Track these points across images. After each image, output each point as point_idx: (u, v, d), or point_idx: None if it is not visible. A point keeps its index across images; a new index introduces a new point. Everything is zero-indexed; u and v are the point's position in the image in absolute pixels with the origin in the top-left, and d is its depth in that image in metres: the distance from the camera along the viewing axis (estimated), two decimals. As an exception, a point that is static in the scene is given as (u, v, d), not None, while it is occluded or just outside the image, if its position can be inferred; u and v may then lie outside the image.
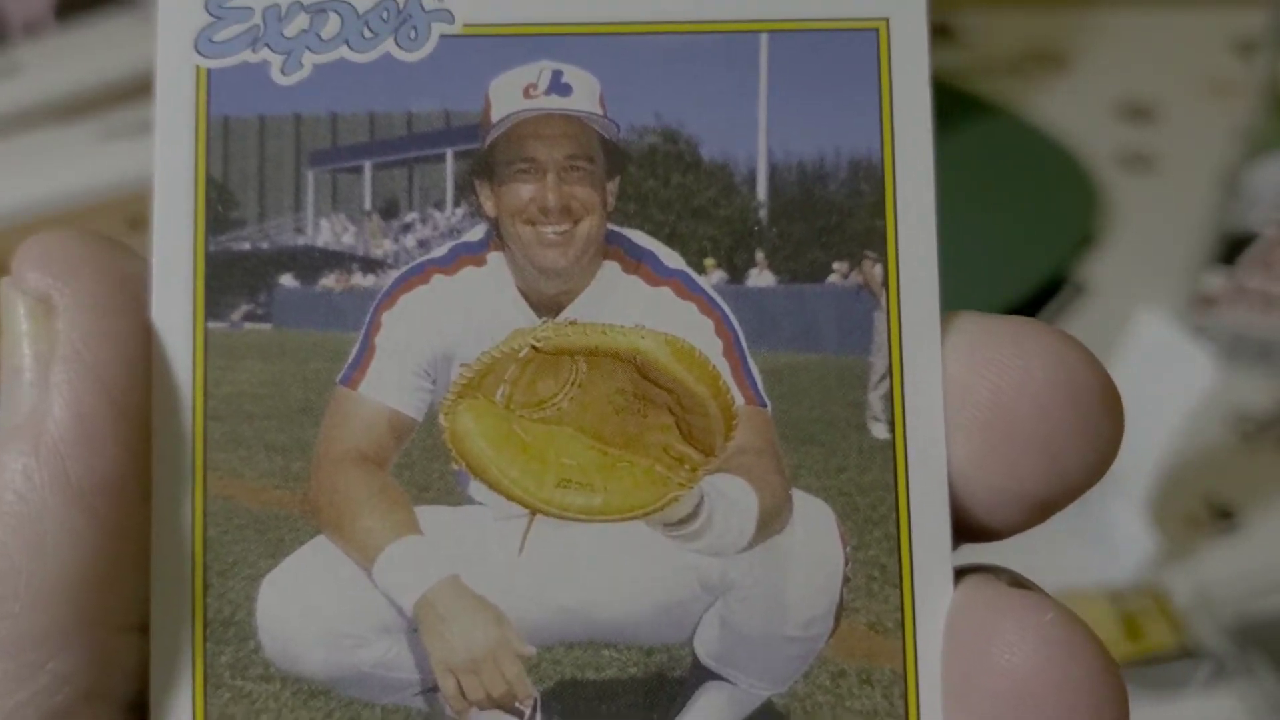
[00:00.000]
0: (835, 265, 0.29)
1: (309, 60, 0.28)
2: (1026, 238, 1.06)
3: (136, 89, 0.98)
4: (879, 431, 0.28)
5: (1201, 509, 0.88)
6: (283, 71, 0.28)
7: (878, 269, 0.29)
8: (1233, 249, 0.96)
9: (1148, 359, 0.84)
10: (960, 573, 0.28)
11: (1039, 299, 1.02)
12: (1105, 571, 0.80)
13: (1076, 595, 0.77)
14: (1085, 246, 1.09)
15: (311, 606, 0.28)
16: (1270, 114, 0.90)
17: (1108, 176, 1.17)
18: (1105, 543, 0.80)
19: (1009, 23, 1.35)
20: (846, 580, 0.28)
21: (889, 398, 0.28)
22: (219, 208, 0.28)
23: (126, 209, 0.81)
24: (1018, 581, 0.28)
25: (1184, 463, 0.87)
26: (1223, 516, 0.88)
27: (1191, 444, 0.87)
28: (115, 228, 0.80)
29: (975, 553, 0.29)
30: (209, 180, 0.28)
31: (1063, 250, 1.08)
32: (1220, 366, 0.80)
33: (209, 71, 0.28)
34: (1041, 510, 0.28)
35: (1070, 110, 1.23)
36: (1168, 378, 0.81)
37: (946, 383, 0.28)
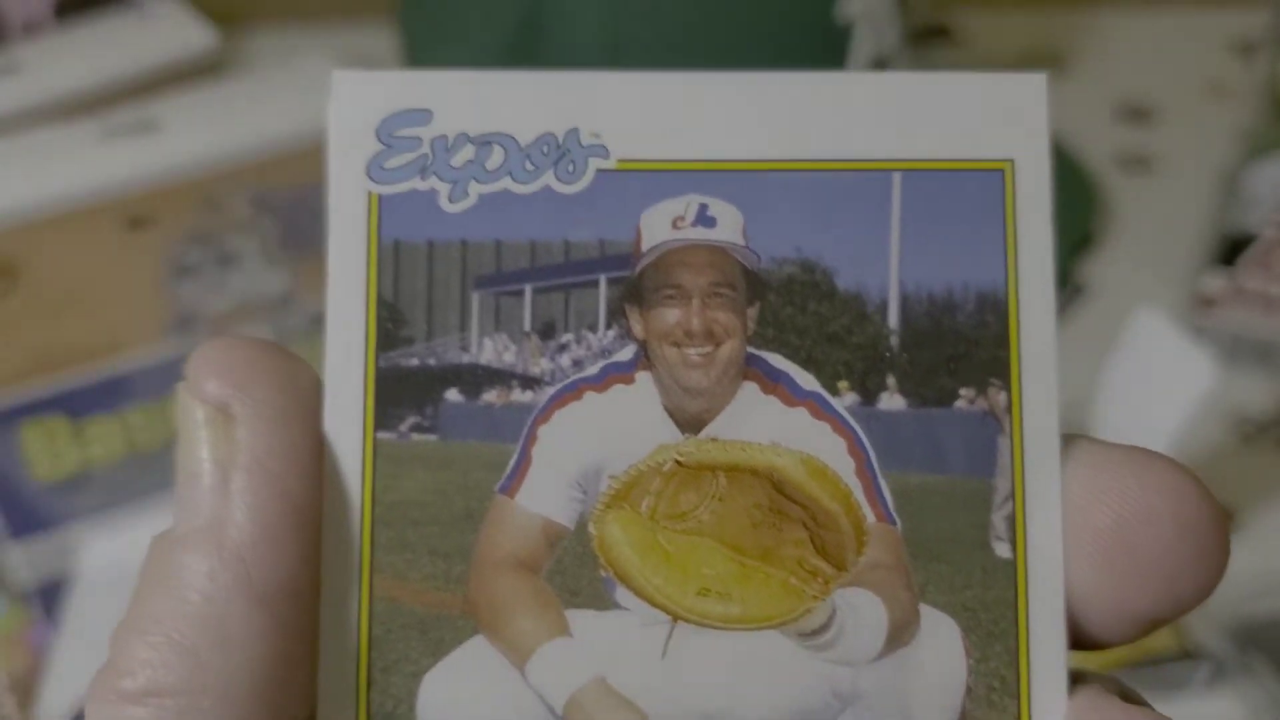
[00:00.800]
0: (962, 391, 0.31)
1: (475, 190, 0.31)
2: None
3: (137, 88, 1.00)
4: (1002, 551, 0.30)
5: None
6: (450, 199, 0.31)
7: (1002, 396, 0.30)
8: (1232, 250, 0.97)
9: (1147, 360, 0.85)
10: (1074, 680, 0.30)
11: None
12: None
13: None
14: (1084, 247, 1.10)
15: (469, 703, 0.30)
16: (1270, 115, 0.92)
17: (1107, 178, 1.18)
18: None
19: (1008, 23, 1.35)
20: (969, 691, 0.30)
21: (1012, 519, 0.30)
22: (389, 326, 0.30)
23: (127, 209, 0.82)
24: (1126, 695, 0.30)
25: (1183, 463, 0.88)
26: None
27: (1191, 445, 0.87)
28: (116, 227, 0.83)
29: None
30: (380, 300, 0.30)
31: (1062, 251, 1.07)
32: (1220, 367, 0.81)
33: (380, 197, 0.31)
34: (1149, 627, 0.30)
35: (1069, 112, 1.23)
36: (1167, 379, 0.82)
37: (1066, 507, 0.30)
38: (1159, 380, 0.82)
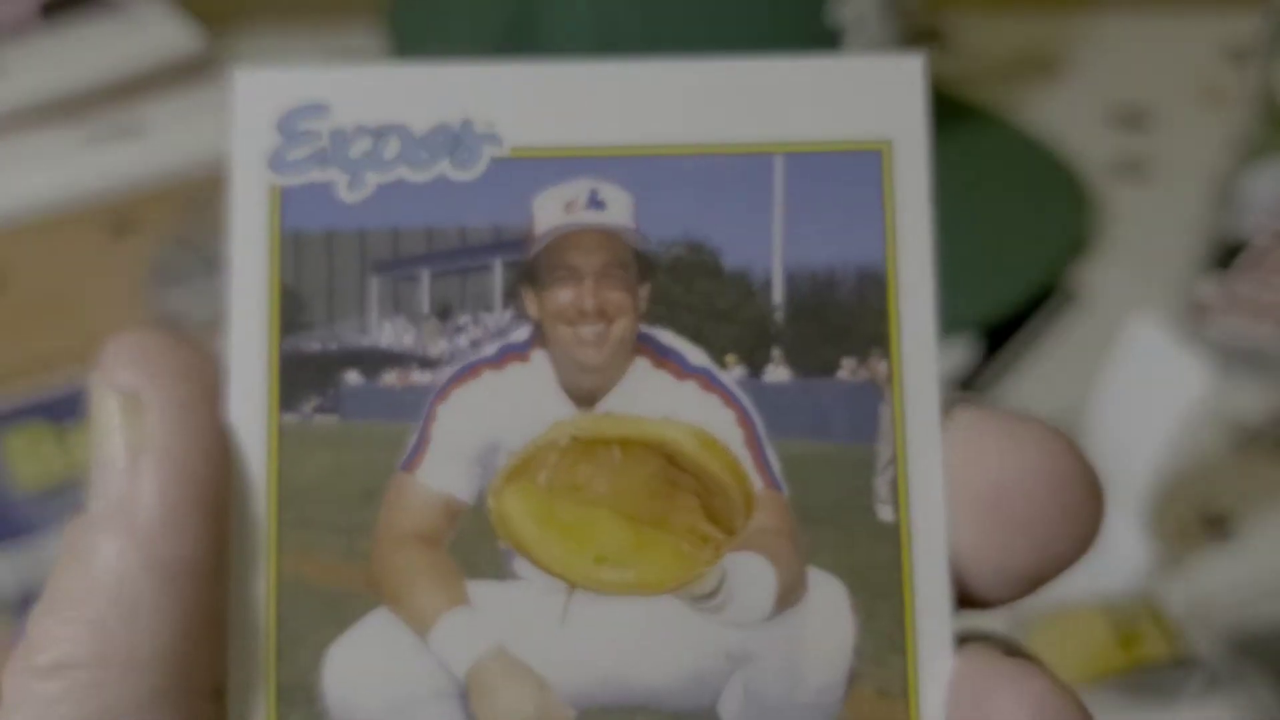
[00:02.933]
0: (844, 362, 0.33)
1: (372, 179, 0.33)
2: (1019, 245, 1.09)
3: (122, 92, 1.00)
4: (885, 514, 0.33)
5: (1195, 518, 0.91)
6: (349, 189, 0.33)
7: (883, 365, 0.33)
8: (1226, 256, 0.98)
9: (1141, 366, 0.86)
10: (960, 639, 0.32)
11: (1031, 306, 1.05)
12: (1099, 581, 0.82)
13: (1071, 605, 0.80)
14: (1078, 253, 1.11)
15: (373, 673, 0.32)
16: (1263, 121, 0.93)
17: (1100, 183, 1.19)
18: (1099, 552, 0.82)
19: (1000, 28, 1.37)
20: (857, 649, 0.32)
21: (894, 484, 0.33)
22: (291, 312, 0.33)
23: (111, 213, 0.83)
24: (1012, 650, 0.32)
25: (1178, 471, 0.89)
26: (1217, 525, 0.90)
27: (1185, 452, 0.88)
28: (101, 232, 0.83)
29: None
30: (282, 288, 0.33)
31: (1055, 257, 1.11)
32: (1214, 374, 0.82)
33: (282, 189, 0.33)
34: (1031, 585, 0.32)
35: (1062, 117, 1.26)
36: (1161, 385, 0.83)
37: (947, 471, 0.32)
38: (1153, 386, 0.84)
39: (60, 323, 0.83)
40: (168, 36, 1.07)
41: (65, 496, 0.89)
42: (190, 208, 0.85)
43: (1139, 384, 0.85)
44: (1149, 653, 0.80)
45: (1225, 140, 0.98)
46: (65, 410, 0.86)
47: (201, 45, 1.07)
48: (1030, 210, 1.13)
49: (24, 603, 0.88)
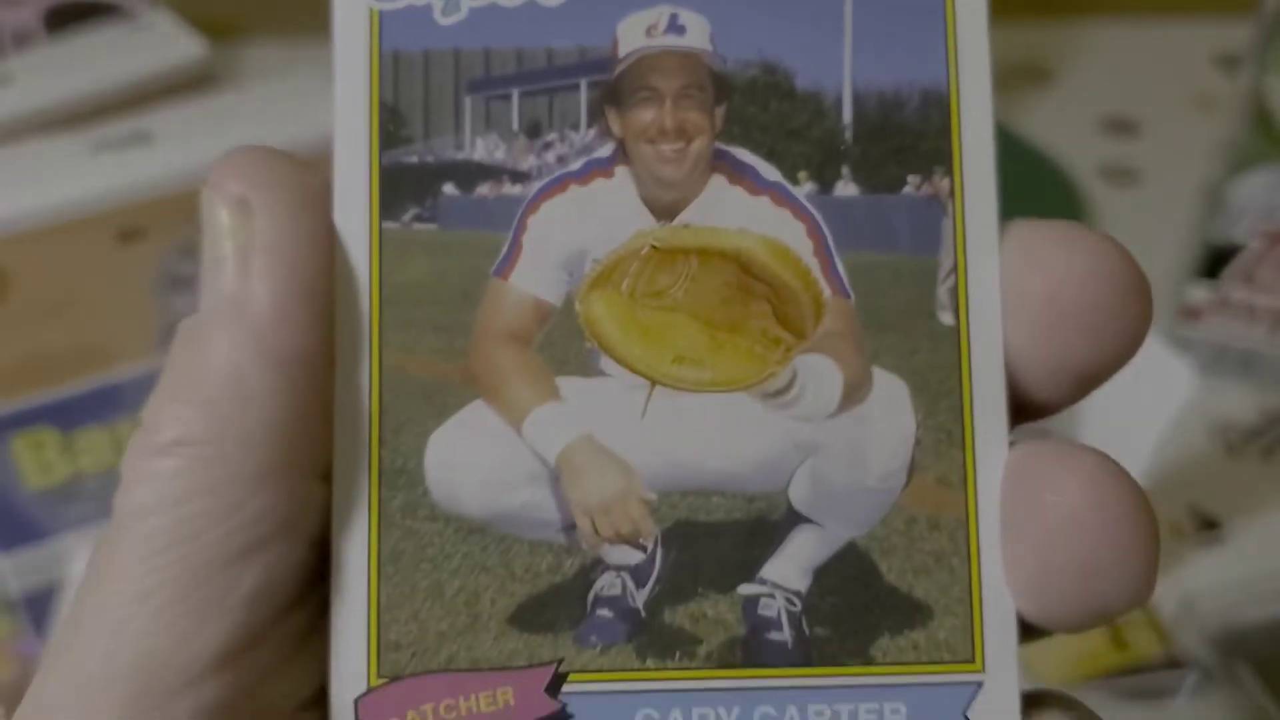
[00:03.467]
0: (909, 179, 0.36)
1: (465, 3, 0.35)
2: None
3: (129, 100, 1.02)
4: (946, 319, 0.35)
5: (1186, 519, 0.92)
6: (443, 13, 0.35)
7: (945, 182, 0.35)
8: (1216, 262, 1.00)
9: (1131, 370, 0.86)
10: (1014, 442, 0.35)
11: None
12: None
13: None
14: None
15: (470, 458, 0.35)
16: (1253, 127, 0.94)
17: (1092, 189, 1.22)
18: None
19: (993, 36, 1.33)
20: (918, 442, 0.35)
21: (954, 291, 0.35)
22: (390, 127, 0.35)
23: (118, 220, 0.84)
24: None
25: (1168, 473, 0.91)
26: (1207, 527, 0.91)
27: (1175, 455, 0.91)
28: (106, 239, 0.84)
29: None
30: (381, 104, 0.35)
31: None
32: (1204, 378, 0.85)
33: (381, 12, 0.35)
34: (1086, 383, 0.34)
35: (1055, 124, 1.28)
36: (1151, 389, 0.85)
37: (1003, 278, 0.35)
38: (1143, 390, 0.84)
39: (67, 328, 0.85)
40: (173, 46, 1.09)
41: (70, 500, 0.90)
42: (196, 215, 0.85)
43: (1129, 386, 0.85)
44: (1141, 653, 0.82)
45: (1215, 147, 0.99)
46: (72, 414, 0.87)
47: (206, 55, 1.08)
48: (1022, 215, 1.11)
49: (29, 603, 0.89)
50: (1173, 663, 0.81)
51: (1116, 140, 1.30)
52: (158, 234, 0.84)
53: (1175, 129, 1.30)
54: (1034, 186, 1.20)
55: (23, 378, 0.84)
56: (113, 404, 0.88)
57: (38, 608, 0.88)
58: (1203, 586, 0.86)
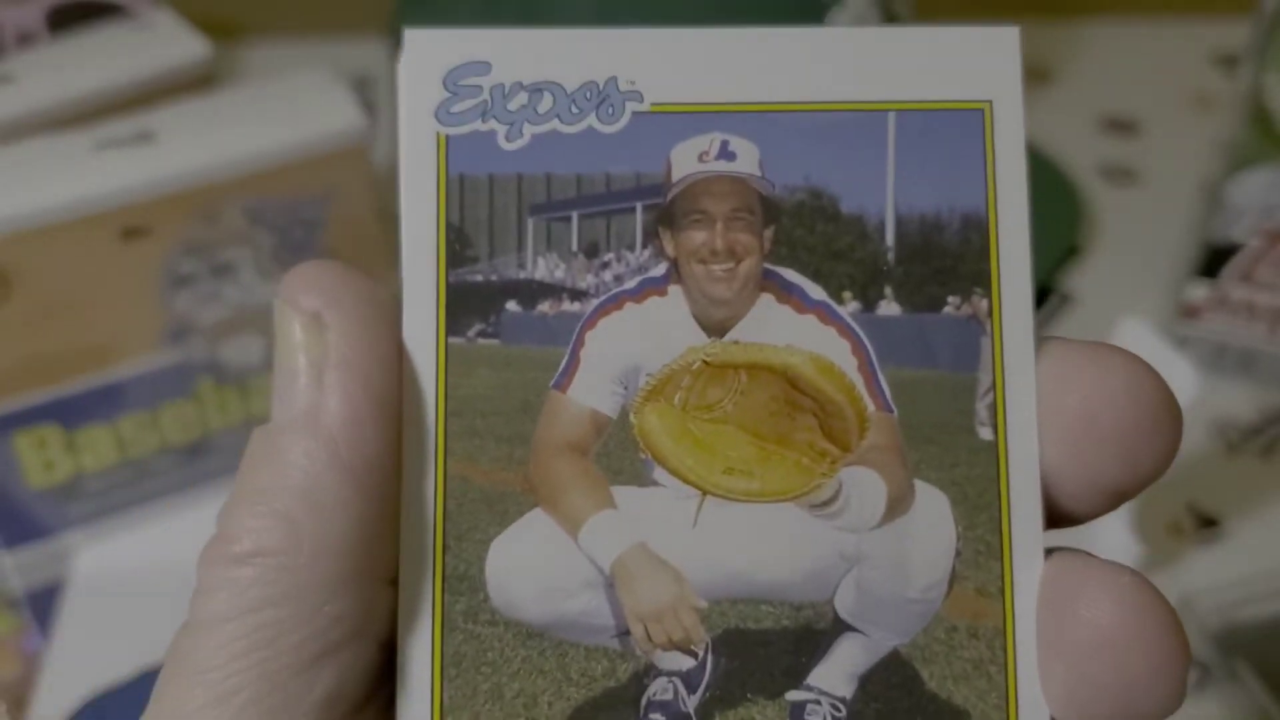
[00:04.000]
0: (949, 299, 0.37)
1: (528, 130, 0.37)
2: None
3: (131, 100, 1.02)
4: (985, 435, 0.37)
5: (1185, 517, 0.93)
6: (507, 139, 0.37)
7: (984, 303, 0.37)
8: (1215, 260, 1.00)
9: None
10: (1049, 551, 0.36)
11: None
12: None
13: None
14: (1070, 258, 1.14)
15: (529, 565, 0.36)
16: (1252, 127, 0.95)
17: (1091, 189, 1.22)
18: (1090, 551, 0.82)
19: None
20: (958, 554, 0.36)
21: (993, 407, 0.37)
22: (456, 247, 0.37)
23: (122, 219, 0.84)
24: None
25: (1167, 471, 0.91)
26: (1207, 525, 0.92)
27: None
28: (109, 238, 0.85)
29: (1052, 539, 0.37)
30: (448, 225, 0.37)
31: (1048, 262, 1.13)
32: (1203, 377, 0.84)
33: (448, 137, 0.37)
34: (1117, 499, 0.36)
35: (1054, 123, 1.28)
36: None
37: (1040, 396, 0.36)
38: None
39: (71, 326, 0.85)
40: (176, 46, 1.09)
41: (73, 498, 0.91)
42: (200, 214, 0.86)
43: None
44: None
45: (1214, 146, 1.00)
46: (75, 413, 0.87)
47: (209, 55, 1.09)
48: None
49: (32, 600, 0.91)
50: None
51: (1116, 140, 1.31)
52: (161, 232, 0.85)
53: (1174, 128, 1.31)
54: (1034, 186, 1.18)
55: (25, 375, 0.85)
56: (115, 402, 0.88)
57: (40, 605, 0.89)
58: (1202, 584, 0.86)
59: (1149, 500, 0.89)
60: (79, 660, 0.84)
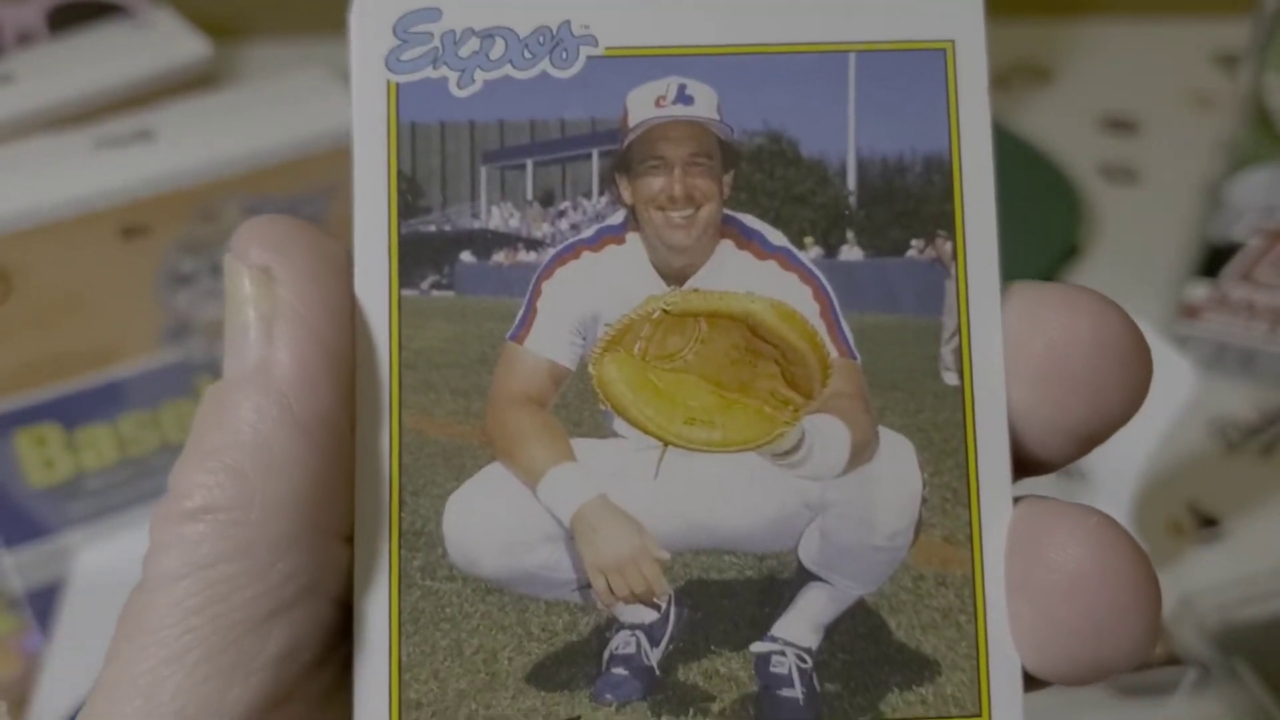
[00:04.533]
0: (913, 242, 0.37)
1: (480, 77, 0.36)
2: (1011, 248, 1.07)
3: (131, 99, 1.03)
4: (950, 379, 0.36)
5: (1185, 517, 0.93)
6: (459, 86, 0.36)
7: (948, 245, 0.36)
8: (1215, 260, 1.01)
9: None
10: (1017, 499, 0.36)
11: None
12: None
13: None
14: (1070, 256, 1.14)
15: (488, 519, 0.36)
16: (1252, 126, 0.95)
17: (1091, 188, 1.23)
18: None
19: (993, 36, 1.31)
20: (924, 501, 0.36)
21: (958, 351, 0.36)
22: (408, 197, 0.36)
23: (121, 218, 0.85)
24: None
25: (1167, 471, 0.92)
26: (1206, 524, 0.92)
27: (1175, 452, 0.92)
28: (109, 237, 0.85)
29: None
30: (400, 174, 0.36)
31: (1048, 261, 1.14)
32: (1203, 375, 0.84)
33: (398, 85, 0.36)
34: (1086, 443, 0.35)
35: (1055, 122, 1.30)
36: (1151, 386, 0.84)
37: (1006, 338, 0.36)
38: None
39: (70, 324, 0.85)
40: (176, 45, 1.10)
41: (74, 497, 0.91)
42: (199, 212, 0.87)
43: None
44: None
45: (1214, 145, 1.00)
46: (75, 411, 0.88)
47: (209, 54, 1.10)
48: (1022, 214, 1.15)
49: (33, 600, 0.91)
50: (1172, 660, 0.82)
51: (1116, 139, 1.32)
52: (160, 231, 0.85)
53: (1174, 128, 1.32)
54: (1033, 186, 1.21)
55: (26, 374, 0.85)
56: (116, 401, 0.89)
57: (41, 604, 0.89)
58: (1201, 584, 0.86)
59: (1149, 500, 0.89)
60: (79, 660, 0.84)
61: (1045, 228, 1.16)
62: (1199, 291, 1.03)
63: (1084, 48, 1.43)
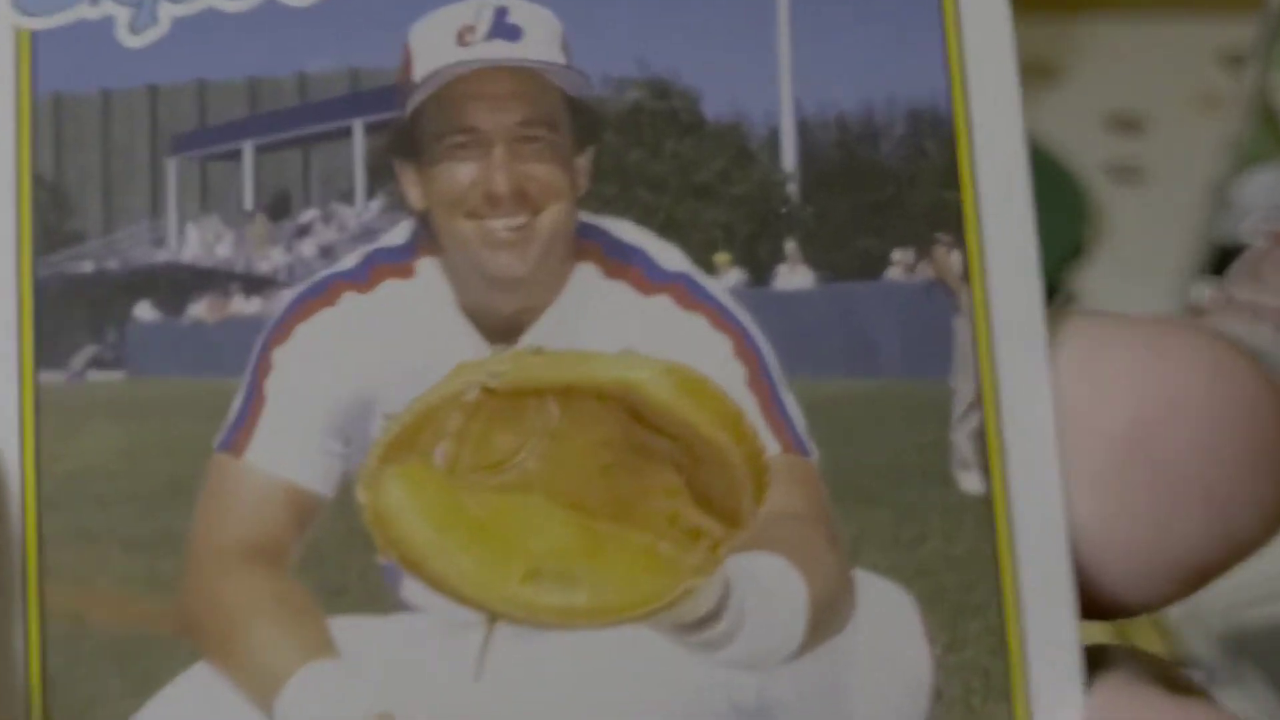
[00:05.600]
0: (895, 255, 0.25)
1: (165, 12, 0.25)
2: None
3: None
4: (970, 483, 0.25)
5: None
6: (132, 30, 0.25)
7: (954, 257, 0.25)
8: (1222, 260, 0.98)
9: None
10: (1089, 659, 0.25)
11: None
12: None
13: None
14: (1076, 257, 1.14)
15: None
16: (1258, 126, 0.96)
17: (1098, 188, 1.22)
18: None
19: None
20: (937, 695, 0.24)
21: (981, 435, 0.24)
22: (50, 217, 0.25)
23: None
24: (1169, 676, 0.25)
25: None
26: None
27: None
28: None
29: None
30: (36, 180, 0.25)
31: (1054, 261, 1.13)
32: None
33: (34, 34, 0.25)
34: (1199, 579, 0.25)
35: (1061, 122, 1.27)
36: None
37: (1061, 410, 0.24)
38: None
39: None
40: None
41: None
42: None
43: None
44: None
45: (1221, 145, 1.00)
46: None
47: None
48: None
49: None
50: (1178, 663, 0.82)
51: (1122, 138, 1.32)
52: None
53: (1181, 127, 1.33)
54: (1039, 185, 1.21)
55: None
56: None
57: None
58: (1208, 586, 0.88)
59: None
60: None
61: (1051, 228, 1.14)
62: (1206, 292, 1.02)
63: (1089, 46, 1.45)
